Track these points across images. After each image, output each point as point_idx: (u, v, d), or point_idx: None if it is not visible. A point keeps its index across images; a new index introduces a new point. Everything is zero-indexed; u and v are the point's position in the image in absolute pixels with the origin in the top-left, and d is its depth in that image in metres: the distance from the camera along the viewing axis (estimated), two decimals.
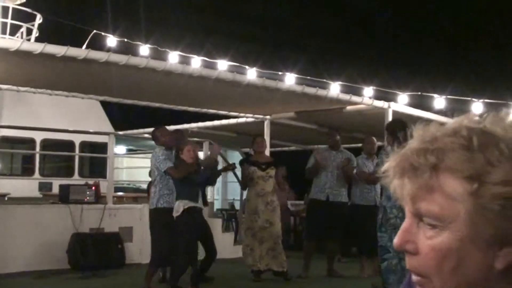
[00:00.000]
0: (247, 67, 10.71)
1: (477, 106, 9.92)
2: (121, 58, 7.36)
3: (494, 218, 0.91)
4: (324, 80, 10.01)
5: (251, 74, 9.17)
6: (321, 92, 9.27)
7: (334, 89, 9.75)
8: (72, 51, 6.93)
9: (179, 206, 7.02)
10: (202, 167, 7.32)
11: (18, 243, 8.71)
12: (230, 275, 8.76)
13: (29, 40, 12.73)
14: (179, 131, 8.90)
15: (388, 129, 6.90)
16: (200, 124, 12.84)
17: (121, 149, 19.73)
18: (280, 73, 9.68)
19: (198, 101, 10.65)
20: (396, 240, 0.98)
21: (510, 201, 0.90)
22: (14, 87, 9.61)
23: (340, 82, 10.01)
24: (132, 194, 13.48)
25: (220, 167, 8.54)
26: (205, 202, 8.01)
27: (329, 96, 9.37)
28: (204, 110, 11.26)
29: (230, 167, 8.39)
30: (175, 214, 7.02)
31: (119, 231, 9.55)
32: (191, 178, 7.05)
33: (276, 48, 24.67)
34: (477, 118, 0.97)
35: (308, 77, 10.04)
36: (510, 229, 0.91)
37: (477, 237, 0.92)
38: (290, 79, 9.37)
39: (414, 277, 0.99)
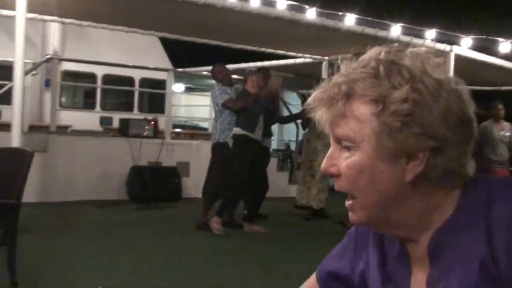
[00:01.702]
0: (306, 6, 10.60)
1: None
2: None
3: (396, 134, 1.05)
4: (385, 22, 9.83)
5: (311, 13, 9.07)
6: (381, 33, 9.14)
7: (395, 30, 9.58)
8: None
9: (230, 134, 7.09)
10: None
11: (80, 173, 9.03)
12: (283, 213, 8.91)
13: None
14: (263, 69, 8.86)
15: None
16: (258, 63, 12.83)
17: (179, 87, 19.96)
18: (340, 13, 9.55)
19: (256, 40, 10.62)
20: (322, 165, 1.13)
21: (408, 117, 1.04)
22: (77, 21, 9.77)
23: (402, 24, 9.82)
24: (189, 131, 13.70)
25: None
26: (267, 133, 7.88)
27: (389, 37, 9.23)
28: (262, 49, 11.23)
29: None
30: (229, 142, 7.11)
31: (177, 166, 9.78)
32: (248, 108, 7.04)
33: None
34: (392, 49, 1.11)
35: (369, 18, 9.87)
36: (410, 144, 1.05)
37: (384, 152, 1.06)
38: (350, 20, 9.24)
39: (346, 203, 1.13)
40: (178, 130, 13.41)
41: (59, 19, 9.68)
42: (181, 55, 16.93)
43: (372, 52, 1.12)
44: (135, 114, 14.76)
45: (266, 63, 12.75)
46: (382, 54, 1.10)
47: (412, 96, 1.04)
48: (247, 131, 7.01)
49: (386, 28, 9.56)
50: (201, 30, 10.12)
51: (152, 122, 9.97)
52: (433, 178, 1.07)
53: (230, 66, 10.32)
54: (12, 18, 6.91)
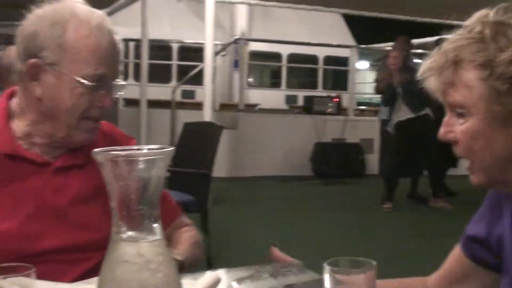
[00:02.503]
0: None
1: None
2: None
3: (504, 97, 1.06)
4: None
5: None
6: None
7: None
8: None
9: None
10: None
11: (266, 150, 9.36)
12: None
13: None
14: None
15: None
16: (444, 36, 12.32)
17: (364, 64, 19.85)
18: None
19: (439, 12, 10.21)
20: (440, 132, 1.15)
21: None
22: (262, 2, 10.06)
23: None
24: (375, 108, 13.59)
25: None
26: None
27: None
28: (448, 21, 10.76)
29: None
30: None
31: (360, 142, 9.78)
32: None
33: None
34: (495, 11, 1.10)
35: None
36: None
37: (494, 116, 1.08)
38: None
39: (466, 166, 1.16)
40: (363, 107, 13.37)
41: (245, 0, 10.04)
42: (365, 31, 16.78)
43: (478, 15, 1.12)
44: (320, 92, 14.91)
45: (449, 36, 12.21)
46: (490, 15, 1.10)
47: None
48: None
49: None
50: (383, 4, 9.96)
51: (336, 99, 10.05)
52: None
53: (416, 41, 10.04)
54: (202, 2, 7.24)
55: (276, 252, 1.41)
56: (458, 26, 1.16)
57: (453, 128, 1.13)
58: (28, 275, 0.99)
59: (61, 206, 1.42)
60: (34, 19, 1.40)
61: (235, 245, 5.03)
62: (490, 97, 1.07)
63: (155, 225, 0.83)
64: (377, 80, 7.26)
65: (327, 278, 0.97)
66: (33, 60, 1.38)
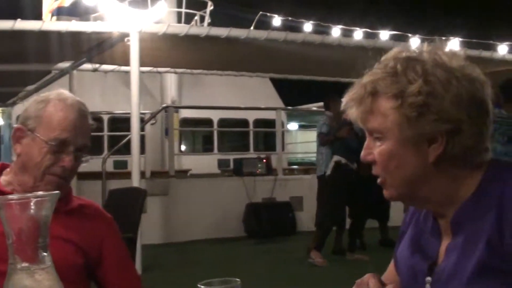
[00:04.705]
0: (409, 34, 10.67)
1: None
2: (280, 35, 7.77)
3: (414, 123, 1.23)
4: (491, 42, 9.72)
5: (414, 42, 9.15)
6: (485, 54, 9.03)
7: (502, 50, 9.43)
8: (234, 32, 7.45)
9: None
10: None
11: (199, 213, 9.46)
12: None
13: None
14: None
15: None
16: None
17: (293, 125, 20.37)
18: (443, 38, 9.54)
19: (359, 73, 10.74)
20: (361, 155, 1.32)
21: (423, 107, 1.22)
22: (188, 70, 10.37)
23: (508, 43, 9.66)
24: (304, 167, 13.94)
25: None
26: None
27: (494, 57, 9.09)
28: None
29: None
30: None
31: (290, 200, 10.03)
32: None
33: (439, 13, 23.83)
34: (410, 48, 1.30)
35: (474, 40, 9.80)
36: (428, 129, 1.23)
37: (406, 139, 1.25)
38: (453, 44, 9.21)
39: (378, 181, 1.32)
40: (294, 166, 13.68)
41: (172, 69, 10.34)
42: (292, 93, 17.33)
43: (393, 52, 1.31)
44: (251, 154, 15.20)
45: None
46: (403, 53, 1.29)
47: (425, 89, 1.22)
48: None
49: (492, 48, 9.46)
50: (307, 67, 10.42)
51: (265, 160, 10.33)
52: (454, 157, 1.25)
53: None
54: (129, 73, 7.43)
55: None
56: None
57: (372, 150, 1.30)
58: None
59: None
60: (31, 100, 1.87)
61: None
62: (402, 123, 1.24)
63: (45, 254, 1.01)
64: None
65: None
66: (18, 125, 1.83)
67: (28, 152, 1.79)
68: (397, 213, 10.73)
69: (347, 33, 10.27)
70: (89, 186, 8.78)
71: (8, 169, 1.89)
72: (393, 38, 10.14)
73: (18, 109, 13.59)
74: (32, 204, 0.98)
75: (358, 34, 10.33)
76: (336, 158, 7.17)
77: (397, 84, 1.24)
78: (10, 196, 0.99)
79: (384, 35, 10.19)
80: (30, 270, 0.98)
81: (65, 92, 1.88)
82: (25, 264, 0.99)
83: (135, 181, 6.83)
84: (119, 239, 2.01)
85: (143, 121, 9.16)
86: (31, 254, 0.99)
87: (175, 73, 11.33)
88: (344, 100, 1.32)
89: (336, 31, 10.28)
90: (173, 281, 6.30)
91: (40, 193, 1.04)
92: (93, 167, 9.72)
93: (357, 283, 1.33)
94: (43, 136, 1.77)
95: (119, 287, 1.93)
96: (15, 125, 1.87)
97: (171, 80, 14.68)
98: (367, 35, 10.39)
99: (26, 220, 0.98)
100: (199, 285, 1.16)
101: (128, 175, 7.79)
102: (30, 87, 11.36)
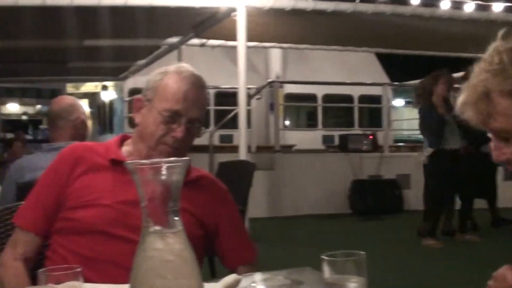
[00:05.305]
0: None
1: None
2: (388, 8, 7.58)
3: None
4: None
5: None
6: None
7: None
8: (340, 6, 7.36)
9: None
10: None
11: (304, 189, 9.49)
12: None
13: None
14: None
15: None
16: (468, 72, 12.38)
17: (399, 102, 19.94)
18: None
19: (469, 46, 10.33)
20: (493, 156, 1.26)
21: None
22: (294, 45, 10.35)
23: None
24: (412, 144, 13.63)
25: None
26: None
27: None
28: (480, 54, 10.88)
29: None
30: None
31: (397, 178, 9.85)
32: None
33: None
34: (501, 39, 1.22)
35: None
36: None
37: None
38: None
39: None
40: (400, 144, 13.42)
41: (277, 44, 10.34)
42: (399, 69, 16.93)
43: (492, 46, 1.24)
44: (356, 130, 15.04)
45: None
46: (501, 44, 1.22)
47: None
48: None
49: None
50: (415, 41, 10.14)
51: (371, 136, 10.19)
52: None
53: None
54: (235, 48, 7.50)
55: None
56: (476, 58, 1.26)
57: (503, 150, 1.24)
58: (76, 276, 1.18)
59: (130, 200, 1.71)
60: (154, 72, 1.93)
61: None
62: None
63: (176, 218, 1.03)
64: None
65: (325, 268, 1.15)
66: (138, 96, 1.92)
67: (145, 122, 1.87)
68: (509, 194, 10.34)
69: (457, 5, 9.88)
70: (197, 158, 8.91)
71: (129, 140, 1.98)
72: (507, 10, 9.65)
73: (129, 83, 14.10)
74: (163, 169, 1.00)
75: (469, 6, 9.91)
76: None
77: (510, 79, 1.18)
78: (143, 161, 1.02)
79: (498, 6, 9.71)
80: (162, 233, 1.01)
81: (184, 65, 1.93)
82: (157, 227, 1.01)
83: (242, 155, 6.91)
84: (234, 210, 2.03)
85: (249, 96, 9.24)
86: (163, 217, 1.02)
87: (281, 48, 11.33)
88: (458, 103, 1.26)
89: (445, 4, 9.90)
90: (278, 253, 6.35)
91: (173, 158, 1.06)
92: (200, 140, 9.98)
93: (493, 277, 1.28)
94: (158, 107, 1.84)
95: (237, 256, 1.96)
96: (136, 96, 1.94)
97: (275, 55, 14.75)
98: (479, 7, 9.94)
99: (158, 184, 1.00)
100: (322, 256, 1.14)
101: (233, 149, 7.92)
102: (140, 62, 11.69)
